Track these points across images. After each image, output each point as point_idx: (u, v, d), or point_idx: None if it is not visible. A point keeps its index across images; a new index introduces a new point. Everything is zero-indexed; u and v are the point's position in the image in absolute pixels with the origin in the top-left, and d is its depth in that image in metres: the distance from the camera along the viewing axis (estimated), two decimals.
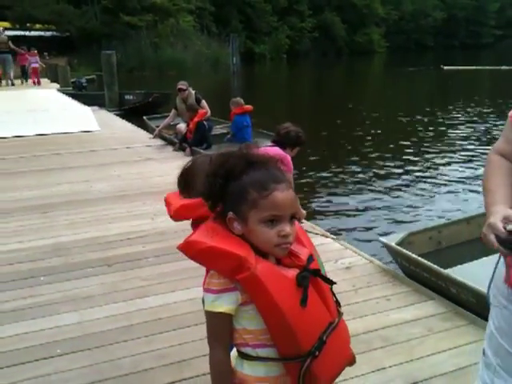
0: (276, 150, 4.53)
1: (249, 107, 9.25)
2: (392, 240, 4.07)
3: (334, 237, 4.85)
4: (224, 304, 1.33)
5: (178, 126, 9.45)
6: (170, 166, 7.32)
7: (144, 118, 11.56)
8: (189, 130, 8.63)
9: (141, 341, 2.98)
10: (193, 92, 9.70)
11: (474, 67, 30.08)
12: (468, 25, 61.12)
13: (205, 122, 8.86)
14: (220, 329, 1.37)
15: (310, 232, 4.76)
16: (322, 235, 4.75)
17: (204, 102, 9.64)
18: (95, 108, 13.22)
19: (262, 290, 1.30)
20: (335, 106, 17.04)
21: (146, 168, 7.28)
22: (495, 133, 11.90)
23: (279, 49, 43.80)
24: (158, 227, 4.90)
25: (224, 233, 1.37)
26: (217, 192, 1.36)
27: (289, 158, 4.54)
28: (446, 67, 29.35)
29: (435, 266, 3.61)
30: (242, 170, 1.35)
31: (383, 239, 4.16)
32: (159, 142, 9.44)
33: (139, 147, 8.89)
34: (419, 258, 3.77)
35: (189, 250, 1.38)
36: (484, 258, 2.34)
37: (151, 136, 9.76)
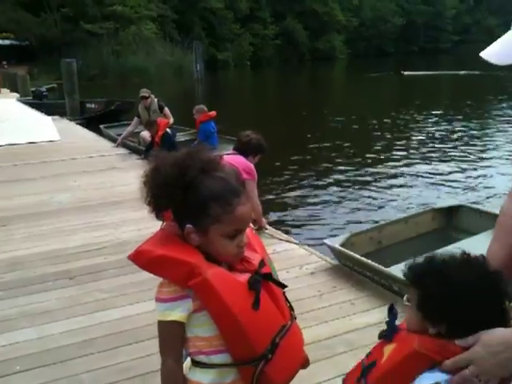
0: (240, 159, 4.52)
1: (213, 113, 9.22)
2: (336, 242, 4.14)
3: (298, 242, 4.86)
4: (176, 312, 1.32)
5: (142, 133, 9.34)
6: (134, 174, 7.19)
7: (101, 126, 11.36)
8: (156, 144, 8.51)
9: (102, 355, 2.92)
10: (155, 99, 9.62)
11: (433, 72, 30.80)
12: (426, 30, 62.57)
13: (169, 131, 8.77)
14: (172, 338, 1.36)
15: (275, 238, 4.76)
16: (287, 241, 4.75)
17: (167, 110, 9.58)
18: (56, 117, 12.96)
19: (214, 294, 1.30)
20: (298, 111, 17.16)
21: (109, 178, 7.16)
22: (454, 136, 12.19)
23: (243, 56, 43.92)
24: (120, 238, 4.82)
25: (175, 241, 1.35)
26: (176, 203, 1.33)
27: (252, 166, 4.54)
28: (406, 72, 29.95)
29: (377, 265, 3.69)
30: (199, 179, 1.33)
31: (327, 241, 4.21)
32: (122, 150, 9.31)
33: (101, 156, 8.75)
34: (362, 258, 3.83)
35: (139, 259, 1.36)
36: (423, 255, 2.45)
37: (114, 145, 9.62)
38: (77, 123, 12.83)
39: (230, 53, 42.45)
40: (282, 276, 4.00)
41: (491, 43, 1.17)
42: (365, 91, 24.23)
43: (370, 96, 22.44)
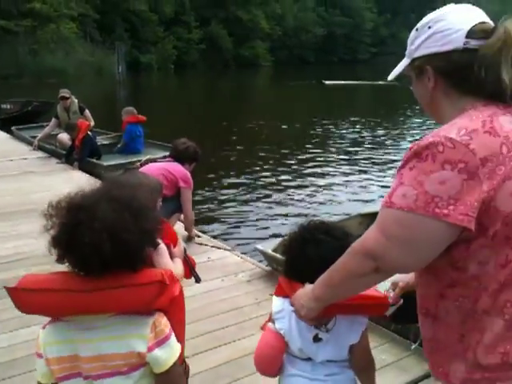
0: (177, 167, 4.42)
1: (142, 117, 9.01)
2: (268, 247, 4.13)
3: (229, 248, 4.79)
4: (177, 342, 1.46)
5: (60, 135, 8.94)
6: (54, 179, 6.87)
7: (13, 128, 10.74)
8: (76, 147, 8.15)
9: (28, 376, 2.68)
10: (76, 101, 9.26)
11: (353, 82, 31.87)
12: (346, 41, 64.72)
13: (90, 134, 8.45)
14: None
15: (208, 245, 4.65)
16: (220, 248, 4.66)
17: (87, 112, 9.27)
18: None
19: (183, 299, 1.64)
20: (222, 117, 17.13)
21: (26, 183, 6.73)
22: (375, 141, 12.62)
23: (166, 59, 43.29)
24: (42, 248, 4.50)
25: None
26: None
27: (189, 174, 4.46)
28: (327, 82, 30.77)
29: None
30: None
31: (259, 246, 4.20)
32: (40, 153, 8.82)
33: (17, 160, 8.24)
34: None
35: None
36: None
37: (30, 148, 9.10)
38: None
39: (154, 56, 41.74)
40: (217, 284, 3.92)
41: (405, 55, 1.40)
42: (288, 98, 24.63)
43: (294, 103, 22.84)
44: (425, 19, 1.36)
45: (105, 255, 1.26)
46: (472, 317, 1.23)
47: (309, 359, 1.73)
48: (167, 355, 1.33)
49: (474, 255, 1.18)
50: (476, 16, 1.27)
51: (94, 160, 8.14)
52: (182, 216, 4.68)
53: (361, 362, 1.76)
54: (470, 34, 1.23)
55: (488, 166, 1.12)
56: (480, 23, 1.24)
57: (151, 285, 1.32)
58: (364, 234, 1.27)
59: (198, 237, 4.82)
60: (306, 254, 1.64)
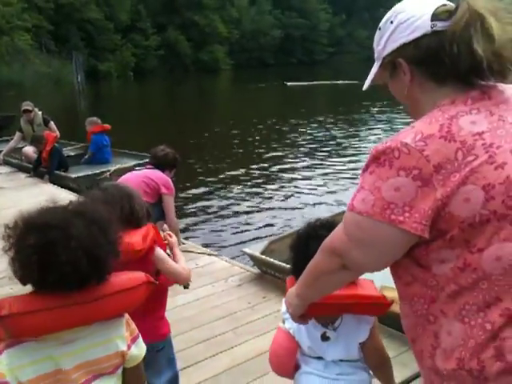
0: (159, 174, 4.38)
1: (107, 126, 8.88)
2: (256, 250, 4.12)
3: (216, 253, 4.76)
4: None
5: (25, 149, 8.73)
6: (25, 194, 6.68)
7: None
8: (43, 160, 7.97)
9: None
10: (40, 113, 9.07)
11: (314, 82, 32.21)
12: (303, 43, 65.32)
13: (57, 145, 8.28)
14: None
15: (194, 252, 4.61)
16: (206, 254, 4.63)
17: (52, 124, 9.09)
18: None
19: None
20: (188, 122, 17.06)
21: None
22: (339, 141, 12.77)
23: (125, 66, 42.78)
24: None
25: None
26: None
27: (170, 181, 4.42)
28: (289, 83, 31.02)
29: None
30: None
31: (247, 250, 4.19)
32: (6, 168, 8.58)
33: None
34: (284, 265, 3.84)
35: None
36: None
37: None
38: None
39: (112, 63, 41.21)
40: (208, 290, 3.88)
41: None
42: (253, 100, 24.71)
43: (258, 105, 22.92)
44: (385, 17, 1.33)
45: (83, 271, 1.26)
46: (426, 319, 1.22)
47: (321, 358, 1.75)
48: (140, 351, 1.44)
49: (434, 254, 1.18)
50: (434, 1, 1.25)
51: (62, 172, 7.97)
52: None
53: (373, 360, 1.78)
54: (435, 16, 1.21)
55: (442, 172, 1.10)
56: (442, 5, 1.23)
57: (140, 287, 1.42)
58: (332, 232, 1.30)
59: (183, 244, 4.77)
60: (309, 252, 1.58)
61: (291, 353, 1.79)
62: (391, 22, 1.29)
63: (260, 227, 6.57)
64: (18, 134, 9.01)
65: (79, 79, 30.27)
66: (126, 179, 4.46)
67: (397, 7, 1.31)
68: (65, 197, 6.77)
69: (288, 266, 3.82)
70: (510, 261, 1.12)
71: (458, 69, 1.20)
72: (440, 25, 1.20)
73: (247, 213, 7.23)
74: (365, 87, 1.44)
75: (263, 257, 3.98)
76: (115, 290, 1.35)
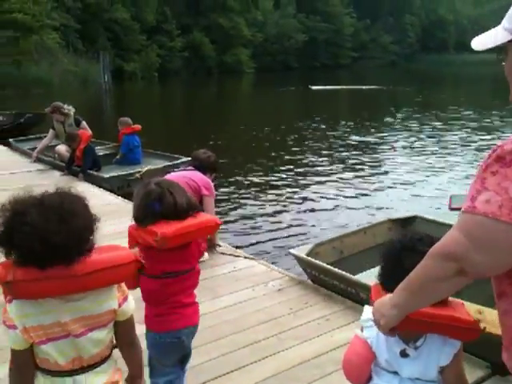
0: (200, 175, 4.42)
1: (138, 127, 8.96)
2: (301, 251, 4.17)
3: (254, 257, 4.77)
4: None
5: (58, 147, 8.82)
6: None
7: (11, 140, 10.61)
8: (77, 158, 8.06)
9: None
10: (72, 113, 9.11)
11: (339, 87, 32.14)
12: (327, 47, 65.11)
13: (91, 145, 8.37)
14: None
15: (232, 255, 4.63)
16: (244, 257, 4.63)
17: (84, 124, 9.11)
18: None
19: None
20: (214, 123, 17.13)
21: None
22: (367, 145, 12.70)
23: (150, 67, 43.13)
24: None
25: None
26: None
27: (211, 183, 4.45)
28: (314, 87, 30.98)
29: (345, 273, 3.74)
30: None
31: (293, 251, 4.25)
32: (40, 166, 8.70)
33: (19, 173, 8.10)
34: (329, 267, 3.88)
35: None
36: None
37: (31, 160, 8.97)
38: None
39: (137, 64, 41.58)
40: (249, 294, 3.89)
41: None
42: (279, 104, 24.74)
43: (286, 108, 22.94)
44: None
45: (37, 253, 1.47)
46: None
47: (396, 373, 1.73)
48: (128, 308, 1.72)
49: None
50: None
51: (94, 172, 8.04)
52: None
53: None
54: None
55: None
56: None
57: (129, 264, 1.66)
58: (442, 238, 1.26)
59: (219, 246, 4.79)
60: (403, 264, 1.59)
61: (366, 362, 1.76)
62: None
63: (293, 232, 6.56)
64: (51, 131, 9.10)
65: (106, 79, 30.63)
66: (169, 179, 4.51)
67: None
68: (99, 195, 6.86)
69: (333, 268, 3.87)
70: None
71: None
72: None
73: (280, 217, 7.23)
74: (480, 47, 1.36)
75: (309, 258, 4.00)
76: (104, 267, 1.58)
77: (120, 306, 1.68)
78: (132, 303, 1.74)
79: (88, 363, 1.65)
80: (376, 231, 4.61)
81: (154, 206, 2.12)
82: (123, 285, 1.73)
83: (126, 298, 1.71)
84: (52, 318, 1.57)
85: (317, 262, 3.93)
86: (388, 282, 1.66)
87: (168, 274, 2.17)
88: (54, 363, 1.61)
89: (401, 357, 1.69)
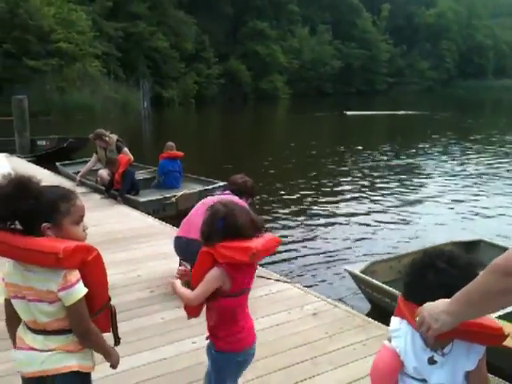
0: (236, 199, 4.47)
1: (175, 153, 9.14)
2: (356, 268, 4.20)
3: (290, 281, 4.79)
4: (83, 288, 1.88)
5: (100, 171, 9.07)
6: (104, 214, 6.99)
7: (57, 164, 10.98)
8: (116, 181, 8.28)
9: None
10: (114, 139, 9.34)
11: (374, 112, 32.09)
12: (363, 73, 65.12)
13: (130, 169, 8.57)
14: (86, 308, 1.91)
15: (266, 278, 4.67)
16: (278, 281, 4.67)
17: (126, 150, 9.29)
18: (6, 155, 12.32)
19: (102, 263, 1.95)
20: (252, 149, 17.32)
21: None
22: (411, 166, 12.62)
23: (187, 94, 44.06)
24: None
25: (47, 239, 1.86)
26: (27, 212, 1.83)
27: (247, 206, 4.50)
28: (348, 112, 31.02)
29: (398, 292, 3.70)
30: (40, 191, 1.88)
31: (348, 268, 4.30)
32: (83, 189, 8.96)
33: None
34: (382, 285, 3.89)
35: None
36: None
37: (74, 183, 9.25)
38: (28, 161, 12.30)
39: (175, 91, 42.52)
40: (284, 317, 3.91)
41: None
42: (316, 129, 24.87)
43: (323, 133, 23.02)
44: None
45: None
46: None
47: (424, 380, 1.78)
48: (69, 296, 1.86)
49: None
50: None
51: (131, 196, 8.22)
52: None
53: None
54: None
55: None
56: None
57: (49, 254, 1.80)
58: (504, 253, 1.29)
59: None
60: (424, 280, 1.72)
61: (394, 371, 1.82)
62: None
63: (328, 257, 6.56)
64: (94, 155, 9.37)
65: (145, 105, 31.39)
66: (206, 202, 4.60)
67: None
68: (139, 217, 7.03)
69: (387, 286, 3.90)
70: None
71: None
72: None
73: (316, 241, 7.24)
74: None
75: (363, 275, 4.06)
76: (35, 249, 1.80)
77: (59, 291, 1.85)
78: (74, 296, 1.86)
79: (45, 328, 1.92)
80: None
81: (218, 225, 2.23)
82: (74, 274, 1.86)
83: (67, 287, 1.85)
84: (16, 279, 1.91)
85: (370, 279, 3.99)
86: (409, 296, 1.79)
87: (243, 290, 2.31)
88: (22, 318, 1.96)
89: (429, 364, 1.75)
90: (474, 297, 1.37)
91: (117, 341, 2.16)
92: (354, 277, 4.20)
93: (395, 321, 1.84)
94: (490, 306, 1.38)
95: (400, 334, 1.79)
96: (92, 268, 1.90)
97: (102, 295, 1.99)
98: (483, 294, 1.33)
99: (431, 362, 1.75)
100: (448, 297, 1.59)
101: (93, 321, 1.96)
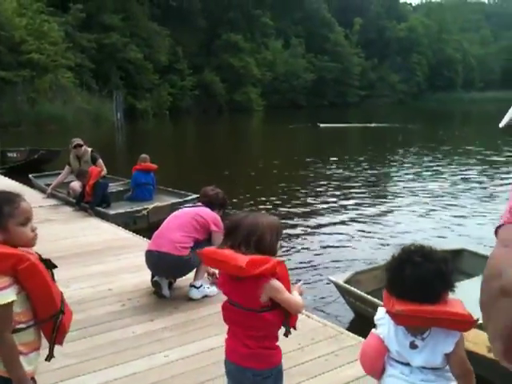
0: (208, 211, 4.49)
1: (148, 165, 9.06)
2: (340, 278, 4.22)
3: None
4: (10, 295, 1.88)
5: (72, 183, 8.94)
6: (75, 227, 6.89)
7: (30, 176, 10.82)
8: (87, 194, 8.15)
9: None
10: (89, 150, 9.29)
11: (346, 124, 32.49)
12: (335, 85, 66.05)
13: (101, 181, 8.44)
14: (9, 316, 1.90)
15: None
16: None
17: (101, 162, 9.24)
18: None
19: (39, 272, 1.95)
20: (226, 160, 17.34)
21: (47, 231, 6.71)
22: (383, 176, 12.79)
23: (161, 105, 44.02)
24: (74, 296, 4.51)
25: None
26: None
27: (219, 218, 4.52)
28: (322, 125, 31.34)
29: (381, 302, 3.75)
30: None
31: (332, 278, 4.35)
32: (53, 201, 8.84)
33: (34, 208, 8.22)
34: (365, 295, 3.93)
35: None
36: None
37: (44, 195, 9.12)
38: None
39: (149, 102, 42.39)
40: None
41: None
42: (290, 140, 25.04)
43: (297, 144, 23.17)
44: None
45: None
46: None
47: (408, 364, 1.96)
48: None
49: None
50: None
51: (101, 208, 8.07)
52: None
53: (457, 370, 1.94)
54: None
55: None
56: None
57: None
58: None
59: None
60: (402, 274, 1.87)
61: (380, 354, 2.01)
62: None
63: (304, 268, 6.58)
64: (66, 167, 9.24)
65: (119, 116, 31.22)
66: (178, 215, 4.59)
67: None
68: (111, 230, 6.95)
69: (369, 296, 3.95)
70: None
71: None
72: None
73: (290, 251, 7.26)
74: (502, 124, 1.44)
75: (346, 285, 4.09)
76: None
77: None
78: (2, 296, 1.88)
79: None
80: None
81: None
82: (4, 282, 1.89)
83: None
84: None
85: (352, 289, 4.01)
86: (390, 289, 1.95)
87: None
88: None
89: (411, 348, 1.93)
90: (484, 313, 1.19)
91: (49, 355, 2.14)
92: (338, 287, 4.24)
93: (381, 310, 2.04)
94: (489, 314, 1.21)
95: (384, 322, 1.98)
96: (27, 277, 1.92)
97: (46, 306, 2.00)
98: (485, 308, 1.13)
99: (413, 346, 1.93)
100: (424, 290, 1.80)
101: (41, 328, 2.03)
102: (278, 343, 2.36)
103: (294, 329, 2.44)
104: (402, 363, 1.97)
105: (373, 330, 2.07)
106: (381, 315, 2.03)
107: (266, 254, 2.21)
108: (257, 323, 2.26)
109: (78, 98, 32.41)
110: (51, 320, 2.03)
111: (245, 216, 2.33)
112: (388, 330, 1.97)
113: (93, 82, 36.98)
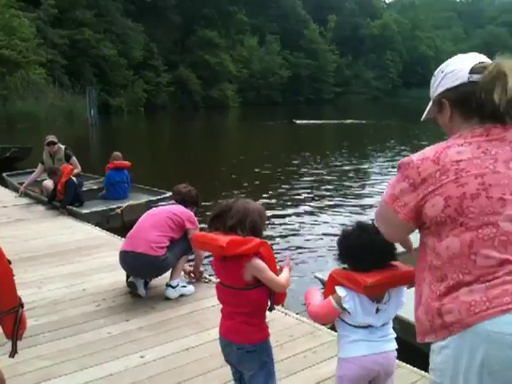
0: (182, 209, 4.45)
1: (122, 163, 8.88)
2: (326, 275, 4.18)
3: None
4: None
5: (45, 182, 8.75)
6: (47, 226, 6.75)
7: (4, 174, 10.59)
8: (59, 192, 7.95)
9: None
10: (62, 147, 9.12)
11: (322, 121, 32.65)
12: (311, 82, 66.38)
13: (74, 179, 8.19)
14: None
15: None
16: None
17: (74, 159, 9.08)
18: None
19: (4, 262, 1.99)
20: (201, 156, 17.23)
21: (19, 230, 6.58)
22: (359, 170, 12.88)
23: (136, 102, 43.53)
24: (47, 297, 4.42)
25: None
26: None
27: (194, 215, 4.48)
28: (297, 121, 31.44)
29: None
30: None
31: (318, 275, 4.32)
32: (26, 200, 8.65)
33: (4, 207, 8.05)
34: None
35: None
36: (406, 290, 2.72)
37: (17, 194, 8.92)
38: None
39: (123, 99, 41.89)
40: None
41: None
42: (267, 137, 25.02)
43: (274, 141, 23.17)
44: (439, 68, 1.77)
45: None
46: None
47: (367, 327, 2.20)
48: None
49: (425, 238, 1.67)
50: (475, 59, 1.68)
51: (73, 207, 7.86)
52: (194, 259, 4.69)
53: None
54: (472, 70, 1.65)
55: (425, 184, 1.59)
56: (479, 63, 1.65)
57: None
58: None
59: (206, 278, 4.80)
60: (349, 243, 2.21)
61: (331, 317, 2.29)
62: (442, 72, 1.73)
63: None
64: (39, 166, 9.05)
65: (92, 113, 30.76)
66: (152, 214, 4.52)
67: (448, 61, 1.75)
68: (84, 229, 6.83)
69: None
70: (454, 249, 1.56)
71: (482, 111, 1.62)
72: (475, 77, 1.64)
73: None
74: (422, 118, 1.92)
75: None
76: None
77: None
78: None
79: None
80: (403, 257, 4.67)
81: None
82: None
83: None
84: None
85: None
86: (359, 266, 2.18)
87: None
88: None
89: (376, 313, 2.20)
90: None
91: (13, 351, 2.10)
92: (323, 283, 4.23)
93: (339, 289, 2.19)
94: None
95: (349, 298, 2.16)
96: None
97: (7, 296, 2.01)
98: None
99: (377, 311, 2.20)
100: (388, 256, 2.16)
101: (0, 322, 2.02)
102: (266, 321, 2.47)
103: (282, 306, 2.62)
104: (362, 327, 2.20)
105: (330, 298, 2.22)
106: (344, 293, 2.17)
107: (257, 237, 2.34)
108: (241, 300, 2.36)
109: (50, 94, 31.82)
110: (13, 312, 2.00)
111: (235, 200, 2.42)
112: (354, 303, 2.17)
113: (65, 78, 36.37)
